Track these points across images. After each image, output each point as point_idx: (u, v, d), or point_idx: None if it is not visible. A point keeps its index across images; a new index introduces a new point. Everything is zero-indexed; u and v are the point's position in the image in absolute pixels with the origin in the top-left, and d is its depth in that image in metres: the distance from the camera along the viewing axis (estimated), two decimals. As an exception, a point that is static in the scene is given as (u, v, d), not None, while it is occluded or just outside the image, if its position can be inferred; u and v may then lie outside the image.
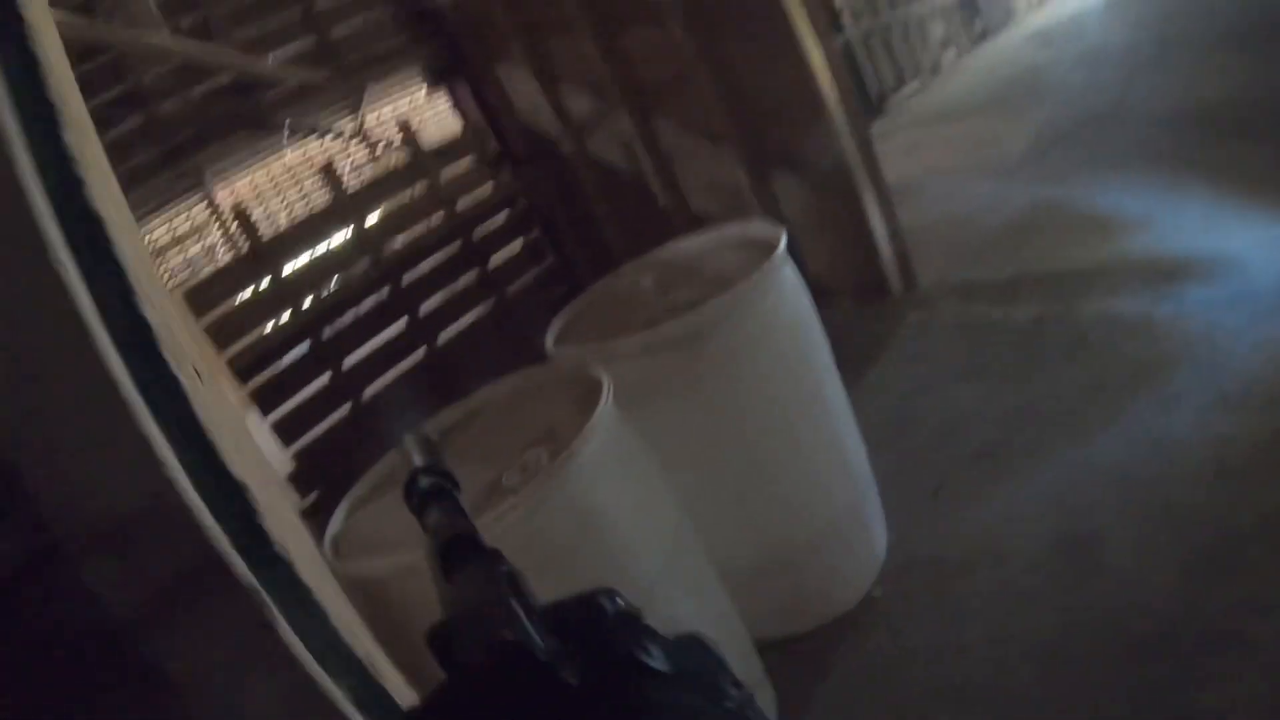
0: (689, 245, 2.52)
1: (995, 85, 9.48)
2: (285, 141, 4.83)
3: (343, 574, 1.68)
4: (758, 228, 2.39)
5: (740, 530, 2.30)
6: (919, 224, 4.48)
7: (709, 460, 2.00)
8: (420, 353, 5.22)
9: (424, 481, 0.96)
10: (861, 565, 2.71)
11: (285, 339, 4.79)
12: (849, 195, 4.16)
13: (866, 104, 8.83)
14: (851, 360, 3.69)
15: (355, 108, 5.25)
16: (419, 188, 5.41)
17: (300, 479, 4.10)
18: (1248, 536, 2.43)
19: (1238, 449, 2.73)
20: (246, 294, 4.75)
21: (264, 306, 4.82)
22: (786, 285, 2.14)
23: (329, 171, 5.02)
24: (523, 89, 5.30)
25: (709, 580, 2.07)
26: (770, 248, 2.18)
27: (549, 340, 2.30)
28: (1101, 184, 4.98)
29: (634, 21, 4.52)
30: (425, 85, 5.51)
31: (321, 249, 5.08)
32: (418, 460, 1.00)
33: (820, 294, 4.67)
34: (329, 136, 5.08)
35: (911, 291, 4.39)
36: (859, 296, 4.44)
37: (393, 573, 1.66)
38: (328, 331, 4.88)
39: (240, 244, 4.70)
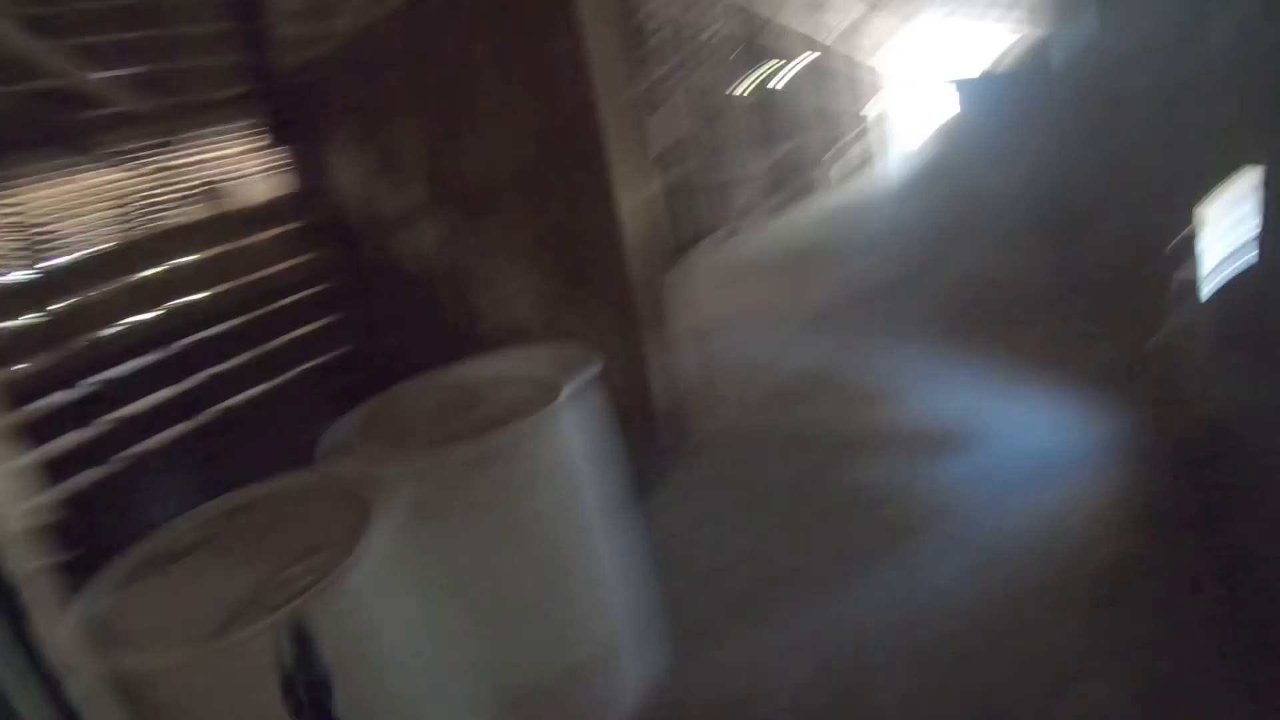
0: (486, 365, 2.52)
1: (799, 243, 10.18)
2: (92, 164, 4.54)
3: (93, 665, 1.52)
4: (558, 355, 2.44)
5: (510, 657, 2.27)
6: (705, 369, 4.67)
7: (481, 587, 1.98)
8: (196, 421, 4.75)
9: (302, 688, 0.94)
10: (623, 701, 2.72)
11: (48, 379, 4.24)
12: (643, 333, 4.28)
13: (672, 248, 9.24)
14: (625, 497, 3.77)
15: (175, 148, 5.03)
16: (222, 246, 5.03)
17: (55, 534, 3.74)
18: (996, 688, 2.63)
19: (985, 610, 2.96)
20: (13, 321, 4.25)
21: (30, 338, 4.29)
22: (574, 421, 2.18)
23: (130, 208, 4.72)
24: (349, 168, 5.22)
25: (480, 706, 2.03)
26: (564, 379, 2.23)
27: (330, 444, 2.24)
28: (883, 351, 5.41)
29: (468, 131, 4.60)
30: (252, 142, 5.25)
31: (106, 288, 4.56)
32: (290, 660, 0.97)
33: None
34: (140, 171, 4.81)
35: (690, 436, 4.49)
36: (637, 434, 4.53)
37: (165, 670, 1.52)
38: (96, 380, 4.35)
39: (12, 263, 4.33)
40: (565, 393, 2.16)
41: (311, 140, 5.39)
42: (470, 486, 1.93)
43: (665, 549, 3.51)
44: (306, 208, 5.50)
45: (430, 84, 4.67)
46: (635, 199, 4.13)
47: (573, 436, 2.19)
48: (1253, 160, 3.02)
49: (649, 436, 4.45)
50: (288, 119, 5.29)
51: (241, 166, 5.41)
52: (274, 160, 5.48)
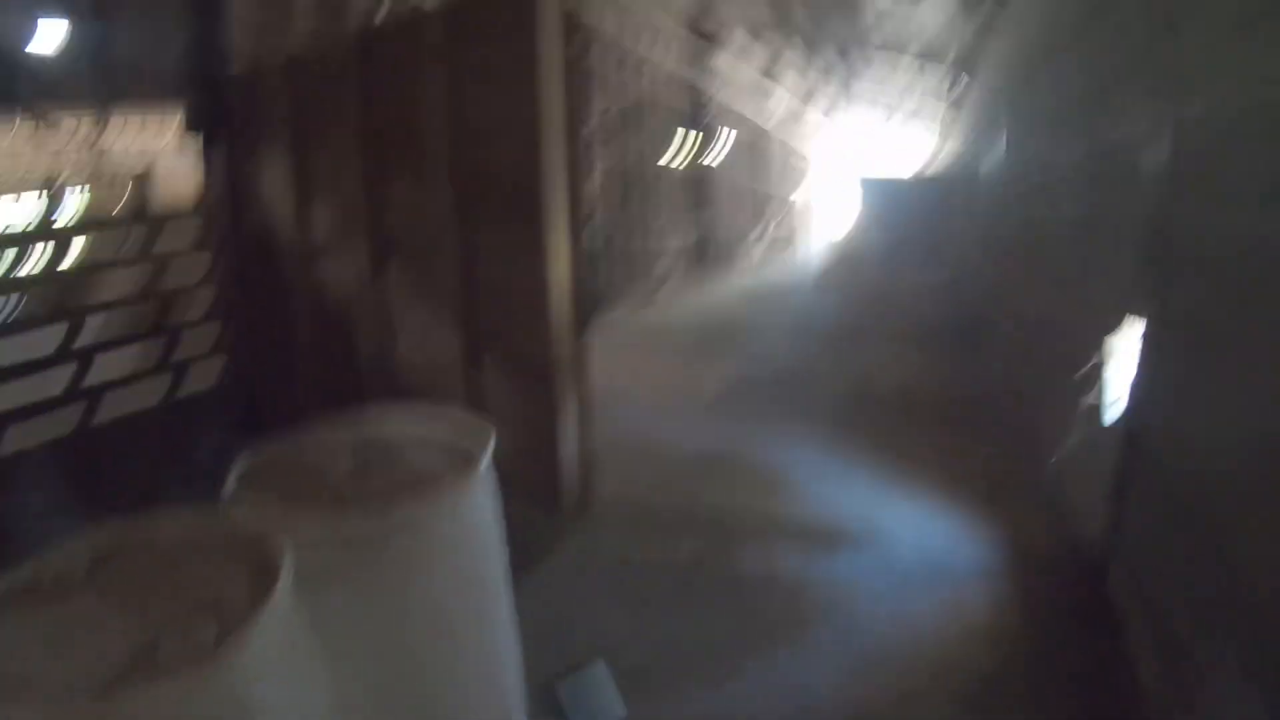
0: (395, 421, 2.44)
1: (707, 325, 10.31)
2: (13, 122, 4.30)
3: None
4: (470, 423, 2.38)
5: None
6: (605, 441, 4.65)
7: (372, 659, 1.90)
8: (69, 427, 4.62)
9: None
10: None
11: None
12: (550, 399, 4.22)
13: (592, 307, 9.27)
14: (513, 566, 3.71)
15: (102, 127, 4.85)
16: (128, 237, 4.92)
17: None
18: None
19: (867, 707, 2.97)
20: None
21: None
22: (483, 496, 2.14)
23: (41, 181, 4.49)
24: (274, 183, 5.11)
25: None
26: (476, 450, 2.19)
27: (234, 485, 2.13)
28: (781, 441, 5.48)
29: (402, 169, 4.52)
30: (182, 135, 5.11)
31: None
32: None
33: (499, 487, 4.76)
34: (59, 143, 4.58)
35: (585, 508, 4.43)
36: (533, 500, 4.46)
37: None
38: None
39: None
40: (480, 465, 2.12)
41: (241, 149, 5.23)
42: (381, 555, 1.86)
43: (554, 623, 3.46)
44: (223, 215, 5.33)
45: (371, 115, 4.60)
46: (564, 259, 4.11)
47: (482, 509, 2.15)
48: (1142, 309, 3.23)
49: (550, 502, 4.40)
50: (220, 121, 5.15)
51: (170, 158, 5.21)
52: (199, 161, 5.32)
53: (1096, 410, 3.78)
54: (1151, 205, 3.18)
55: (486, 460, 2.14)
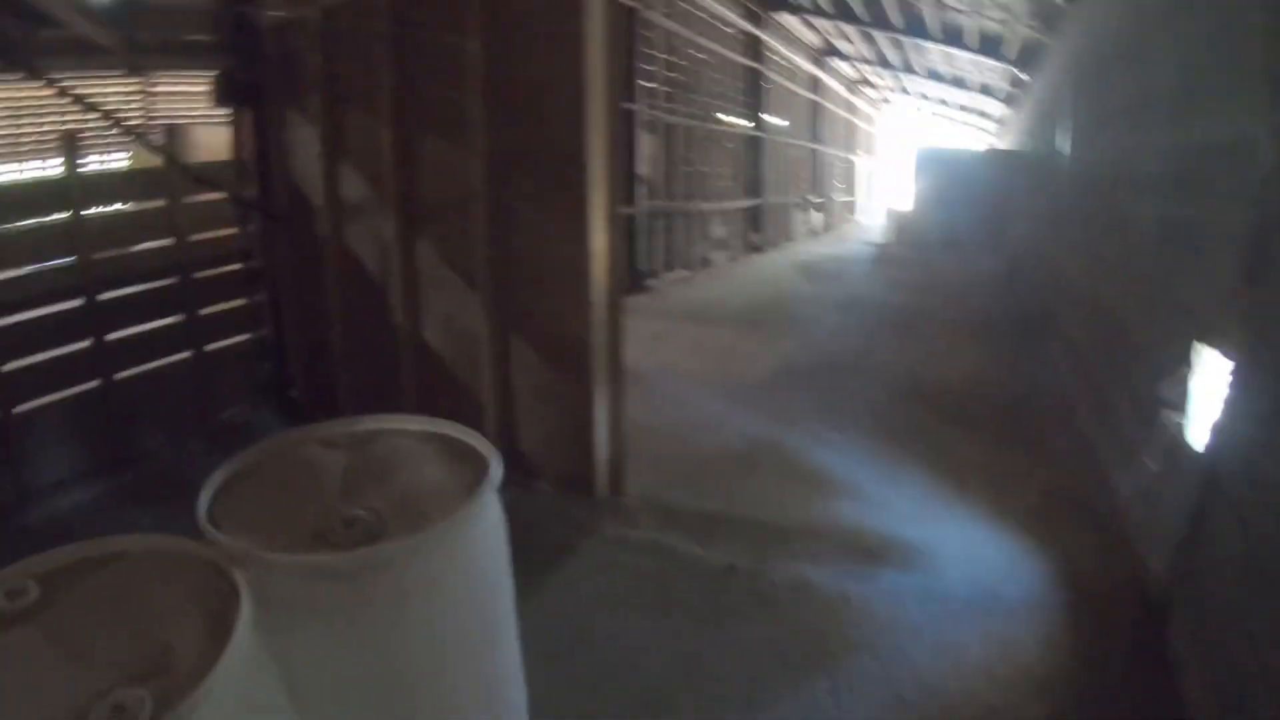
0: (394, 434, 2.19)
1: (753, 301, 10.01)
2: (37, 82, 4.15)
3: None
4: (473, 440, 2.12)
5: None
6: (640, 424, 4.42)
7: (354, 702, 1.70)
8: (94, 384, 4.63)
9: None
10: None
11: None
12: (583, 378, 3.99)
13: (630, 280, 9.06)
14: (536, 560, 3.48)
15: (132, 88, 4.73)
16: (159, 200, 4.81)
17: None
18: None
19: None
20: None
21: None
22: (486, 525, 1.88)
23: (69, 142, 4.35)
24: (305, 146, 4.89)
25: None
26: (479, 470, 1.94)
27: (203, 501, 1.89)
28: (827, 437, 5.20)
29: (437, 133, 4.28)
30: (214, 97, 4.94)
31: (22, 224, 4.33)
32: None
33: (523, 471, 4.46)
34: (90, 107, 4.42)
35: (616, 497, 4.22)
36: (562, 485, 4.24)
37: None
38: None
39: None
40: (483, 489, 1.87)
41: (272, 108, 5.05)
42: (367, 588, 1.64)
43: (572, 634, 3.26)
44: (251, 176, 5.19)
45: (405, 75, 4.35)
46: (604, 232, 3.84)
47: (485, 537, 1.91)
48: (1235, 332, 2.92)
49: (581, 490, 4.19)
50: (253, 80, 4.97)
51: (200, 121, 5.12)
52: (236, 120, 5.17)
53: (1173, 437, 3.47)
54: (1254, 216, 2.85)
55: (491, 484, 1.89)
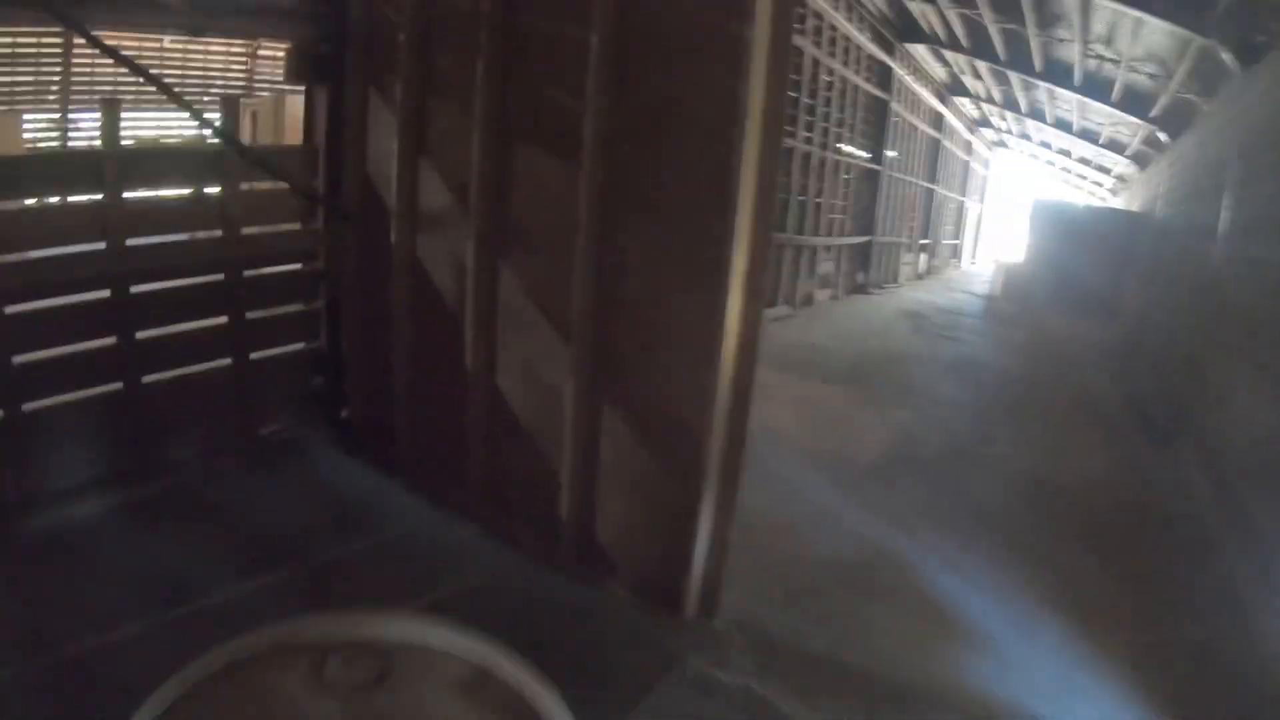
0: (420, 662, 1.36)
1: (863, 355, 9.15)
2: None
3: None
4: (538, 699, 1.28)
5: None
6: (741, 510, 3.60)
7: None
8: (118, 385, 4.07)
9: None
10: None
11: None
12: (690, 474, 3.17)
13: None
14: (600, 700, 2.76)
15: (191, 51, 4.15)
16: (210, 184, 4.21)
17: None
18: None
19: None
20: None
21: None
22: None
23: (110, 109, 3.75)
24: (384, 139, 4.15)
25: None
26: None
27: None
28: (948, 554, 4.30)
29: (539, 145, 3.50)
30: (288, 71, 4.33)
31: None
32: None
33: (595, 565, 3.57)
34: (138, 70, 3.81)
35: (707, 619, 3.40)
36: (641, 593, 3.43)
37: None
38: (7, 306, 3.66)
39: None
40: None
41: (353, 90, 4.31)
42: None
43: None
44: (321, 166, 4.52)
45: (513, 70, 3.57)
46: (745, 300, 3.04)
47: None
48: None
49: (669, 601, 3.38)
50: (333, 55, 4.27)
51: (267, 97, 4.48)
52: (309, 97, 4.49)
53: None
54: None
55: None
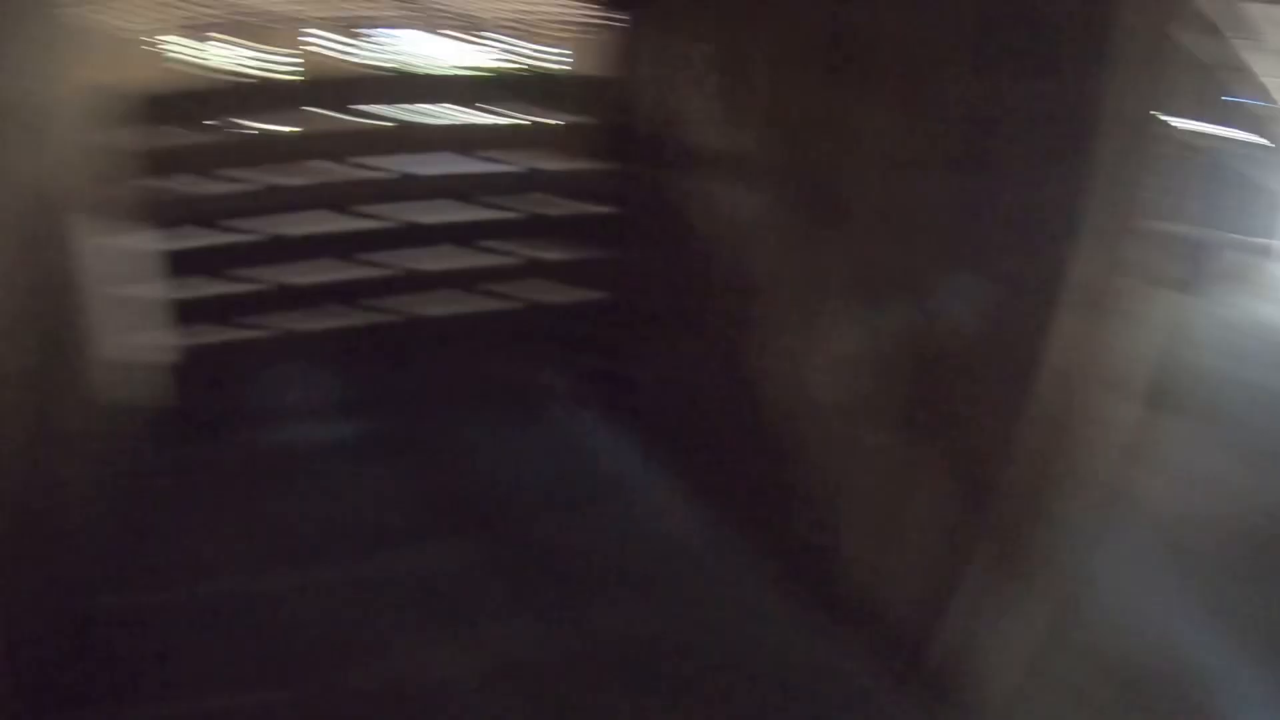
0: None
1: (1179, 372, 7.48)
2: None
3: None
4: None
5: None
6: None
7: None
8: (371, 315, 4.21)
9: None
10: None
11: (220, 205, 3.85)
12: (998, 529, 2.43)
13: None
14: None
15: None
16: (496, 112, 4.19)
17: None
18: None
19: None
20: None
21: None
22: None
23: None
24: (694, 77, 3.60)
25: None
26: None
27: None
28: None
29: (875, 98, 2.73)
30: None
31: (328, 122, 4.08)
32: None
33: (834, 612, 2.93)
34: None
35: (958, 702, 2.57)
36: (886, 669, 2.72)
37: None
38: (275, 226, 4.00)
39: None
40: None
41: (662, 22, 3.82)
42: None
43: None
44: (618, 107, 4.09)
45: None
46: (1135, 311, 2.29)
47: None
48: None
49: (930, 686, 2.66)
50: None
51: (552, 23, 4.43)
52: (603, 29, 4.11)
53: None
54: None
55: None
